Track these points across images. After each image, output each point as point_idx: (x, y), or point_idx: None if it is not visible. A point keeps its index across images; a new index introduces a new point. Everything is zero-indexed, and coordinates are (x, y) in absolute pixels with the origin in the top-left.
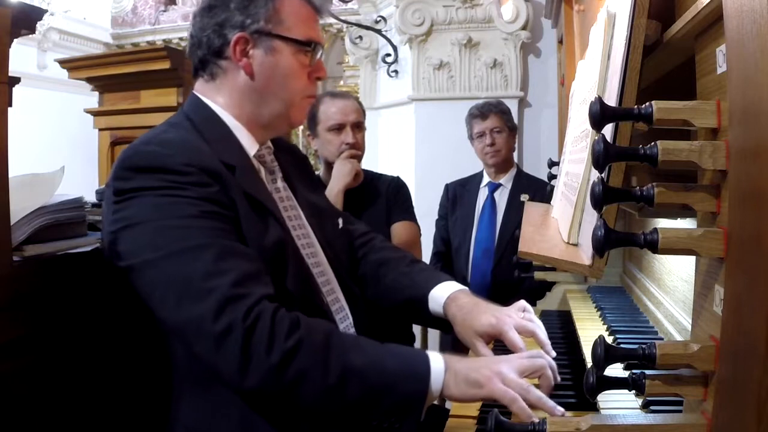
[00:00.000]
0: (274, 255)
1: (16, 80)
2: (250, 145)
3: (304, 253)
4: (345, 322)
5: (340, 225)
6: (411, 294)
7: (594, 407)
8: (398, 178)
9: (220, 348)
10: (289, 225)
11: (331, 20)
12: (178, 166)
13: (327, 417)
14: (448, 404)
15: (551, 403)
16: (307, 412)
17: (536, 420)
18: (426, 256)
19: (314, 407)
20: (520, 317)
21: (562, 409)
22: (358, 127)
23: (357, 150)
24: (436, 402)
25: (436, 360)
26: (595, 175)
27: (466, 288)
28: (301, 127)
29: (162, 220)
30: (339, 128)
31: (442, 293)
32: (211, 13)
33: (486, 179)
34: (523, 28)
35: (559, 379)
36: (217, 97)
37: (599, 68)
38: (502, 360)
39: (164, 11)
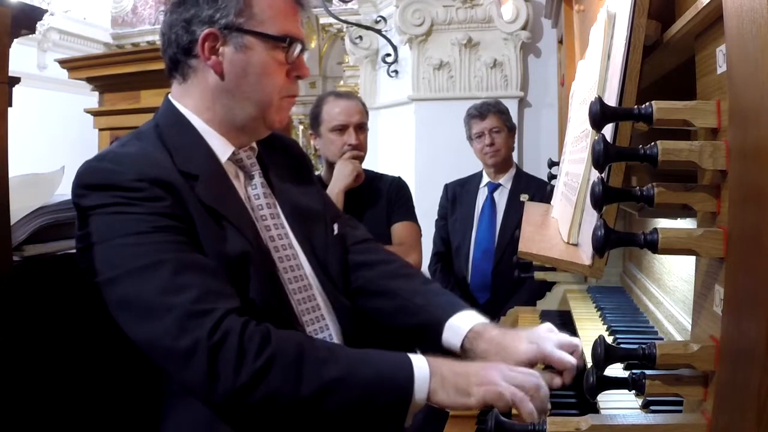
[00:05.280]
0: (236, 265)
1: (16, 80)
2: (222, 149)
3: (281, 265)
4: (323, 333)
5: (336, 231)
6: (425, 318)
7: (594, 407)
8: (399, 178)
9: (187, 366)
10: (266, 234)
11: (331, 20)
12: (127, 183)
13: (304, 428)
14: None
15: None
16: (281, 425)
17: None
18: (426, 256)
19: (288, 420)
20: (554, 335)
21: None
22: (361, 128)
23: (359, 151)
24: None
25: (421, 365)
26: (595, 175)
27: (486, 319)
28: (301, 127)
29: (116, 239)
30: (342, 129)
31: (463, 324)
32: (180, 8)
33: (485, 179)
34: (523, 28)
35: (549, 406)
36: (188, 100)
37: (599, 68)
38: (493, 367)
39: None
